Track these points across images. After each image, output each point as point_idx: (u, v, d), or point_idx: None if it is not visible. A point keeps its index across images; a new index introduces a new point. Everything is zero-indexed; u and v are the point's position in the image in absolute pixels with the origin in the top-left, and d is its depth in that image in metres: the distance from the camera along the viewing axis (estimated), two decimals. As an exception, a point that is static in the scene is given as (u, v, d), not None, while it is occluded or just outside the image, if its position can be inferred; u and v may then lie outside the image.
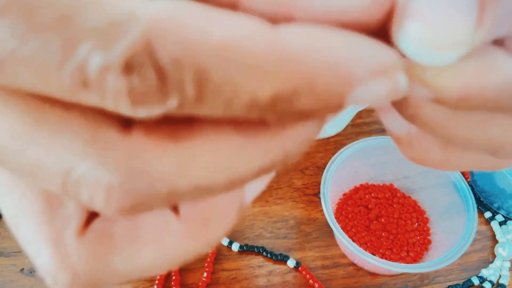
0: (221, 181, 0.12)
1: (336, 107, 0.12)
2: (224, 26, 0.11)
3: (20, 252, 0.40)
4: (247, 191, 0.15)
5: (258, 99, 0.11)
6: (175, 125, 0.12)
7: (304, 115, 0.12)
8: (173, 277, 0.39)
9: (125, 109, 0.11)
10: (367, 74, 0.11)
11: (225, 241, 0.41)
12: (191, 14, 0.10)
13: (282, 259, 0.40)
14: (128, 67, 0.10)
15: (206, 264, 0.40)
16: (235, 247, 0.41)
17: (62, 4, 0.10)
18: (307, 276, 0.39)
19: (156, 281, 0.39)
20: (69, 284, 0.14)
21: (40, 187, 0.14)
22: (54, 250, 0.13)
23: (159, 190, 0.12)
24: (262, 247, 0.41)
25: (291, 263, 0.40)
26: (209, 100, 0.11)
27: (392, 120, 0.17)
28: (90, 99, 0.11)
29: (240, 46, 0.11)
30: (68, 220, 0.14)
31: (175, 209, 0.14)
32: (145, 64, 0.10)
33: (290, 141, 0.13)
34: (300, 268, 0.40)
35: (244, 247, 0.41)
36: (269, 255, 0.40)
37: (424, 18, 0.12)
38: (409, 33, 0.12)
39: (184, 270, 0.40)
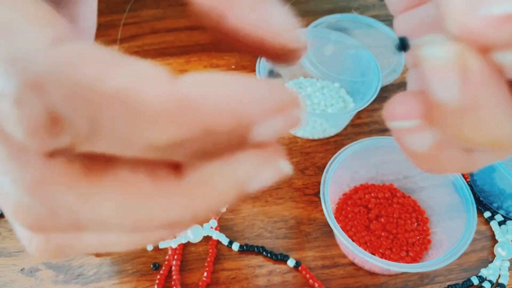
0: (125, 224, 0.13)
1: (240, 145, 0.12)
2: (123, 73, 0.11)
3: (20, 252, 0.40)
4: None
5: (153, 144, 0.11)
6: (95, 159, 0.13)
7: (210, 155, 0.12)
8: (174, 277, 0.39)
9: (20, 136, 0.11)
10: (261, 115, 0.12)
11: (225, 241, 0.41)
12: (93, 60, 0.11)
13: (282, 259, 0.40)
14: (20, 101, 0.11)
15: (206, 264, 0.40)
16: (235, 246, 0.41)
17: None
18: (307, 276, 0.40)
19: (156, 281, 0.39)
20: (42, 243, 0.14)
21: None
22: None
23: (60, 218, 0.12)
24: (262, 247, 0.41)
25: (291, 263, 0.40)
26: (103, 142, 0.11)
27: (411, 139, 0.16)
28: None
29: (133, 94, 0.11)
30: None
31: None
32: (35, 101, 0.11)
33: (199, 204, 0.13)
34: (300, 268, 0.40)
35: (244, 247, 0.41)
36: (269, 255, 0.41)
37: None
38: None
39: (184, 270, 0.40)
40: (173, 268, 0.40)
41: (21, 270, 0.39)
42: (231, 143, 0.12)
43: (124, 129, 0.11)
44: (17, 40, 0.11)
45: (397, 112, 0.16)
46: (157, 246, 0.41)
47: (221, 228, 0.42)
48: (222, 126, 0.12)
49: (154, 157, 0.12)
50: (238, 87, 0.12)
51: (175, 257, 0.40)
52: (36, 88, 0.11)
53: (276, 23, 0.14)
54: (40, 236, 0.14)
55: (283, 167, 0.13)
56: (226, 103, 0.12)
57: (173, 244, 0.41)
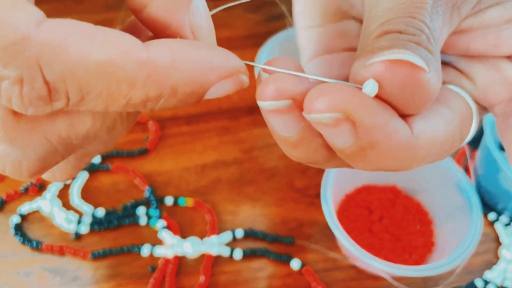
0: None
1: (195, 102, 0.16)
2: (101, 46, 0.14)
3: (16, 254, 0.40)
4: None
5: (131, 102, 0.15)
6: None
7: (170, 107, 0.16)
8: (167, 279, 0.38)
9: (17, 108, 0.14)
10: (218, 78, 0.16)
11: (227, 252, 0.40)
12: (74, 36, 0.14)
13: (286, 260, 0.40)
14: (20, 80, 0.14)
15: (202, 267, 0.39)
16: (238, 254, 0.40)
17: None
18: (311, 278, 0.39)
19: (151, 284, 0.38)
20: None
21: None
22: None
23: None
24: (266, 250, 0.40)
25: (295, 263, 0.39)
26: (90, 103, 0.15)
27: (280, 123, 0.17)
28: None
29: (114, 64, 0.14)
30: None
31: None
32: (35, 79, 0.14)
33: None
34: (304, 269, 0.39)
35: (248, 252, 0.40)
36: (272, 256, 0.40)
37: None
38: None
39: (183, 273, 0.39)
40: (167, 272, 0.39)
41: (17, 273, 0.39)
42: (188, 101, 0.16)
43: (107, 93, 0.14)
44: (7, 23, 0.13)
45: (268, 91, 0.16)
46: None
47: (221, 230, 0.42)
48: (185, 88, 0.15)
49: (130, 110, 0.15)
50: (200, 55, 0.15)
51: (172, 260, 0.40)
52: (34, 68, 0.13)
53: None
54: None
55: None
56: (190, 70, 0.15)
57: (169, 254, 0.40)
